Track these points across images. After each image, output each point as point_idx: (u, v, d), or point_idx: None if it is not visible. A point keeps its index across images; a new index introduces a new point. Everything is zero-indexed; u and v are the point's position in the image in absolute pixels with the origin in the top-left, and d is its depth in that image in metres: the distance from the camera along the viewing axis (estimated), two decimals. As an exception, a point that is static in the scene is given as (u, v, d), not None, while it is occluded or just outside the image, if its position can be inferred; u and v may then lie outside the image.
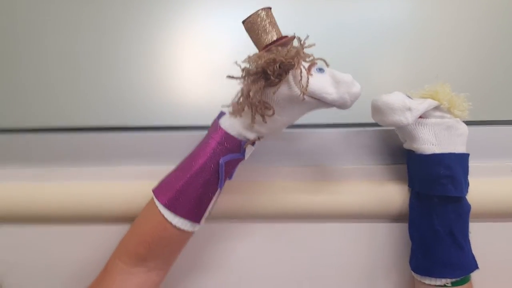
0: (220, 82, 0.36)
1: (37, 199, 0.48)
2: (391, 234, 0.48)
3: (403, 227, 0.46)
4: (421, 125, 0.41)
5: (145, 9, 0.52)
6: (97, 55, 0.52)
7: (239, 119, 0.38)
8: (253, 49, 0.37)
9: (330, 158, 0.49)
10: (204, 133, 0.41)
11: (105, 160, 0.50)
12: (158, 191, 0.39)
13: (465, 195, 0.41)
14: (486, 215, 0.46)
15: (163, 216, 0.38)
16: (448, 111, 0.42)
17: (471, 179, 0.42)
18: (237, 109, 0.36)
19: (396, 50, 0.52)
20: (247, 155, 0.40)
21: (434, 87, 0.42)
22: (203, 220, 0.40)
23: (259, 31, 0.36)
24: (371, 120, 0.42)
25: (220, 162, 0.38)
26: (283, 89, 0.36)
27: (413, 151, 0.42)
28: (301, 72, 0.34)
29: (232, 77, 0.36)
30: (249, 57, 0.35)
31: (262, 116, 0.36)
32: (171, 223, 0.38)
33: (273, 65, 0.34)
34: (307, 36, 0.36)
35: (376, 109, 0.40)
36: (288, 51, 0.34)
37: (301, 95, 0.35)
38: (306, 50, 0.36)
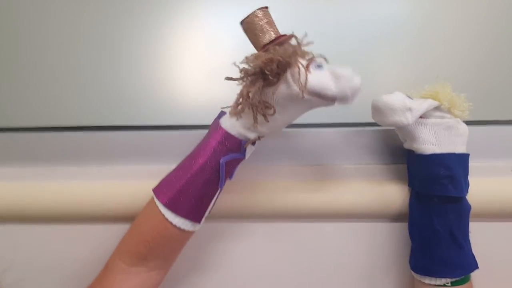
0: (220, 81, 0.36)
1: (38, 198, 0.48)
2: (391, 234, 0.48)
3: (403, 226, 0.47)
4: (421, 125, 0.41)
5: (145, 9, 0.52)
6: (97, 54, 0.52)
7: (239, 119, 0.38)
8: (253, 49, 0.37)
9: (330, 157, 0.49)
10: (204, 132, 0.41)
11: (105, 159, 0.50)
12: (158, 190, 0.39)
13: (465, 195, 0.41)
14: (486, 215, 0.46)
15: (163, 215, 0.38)
16: (449, 111, 0.42)
17: (471, 178, 0.42)
18: (237, 111, 0.36)
19: (396, 50, 0.52)
20: (247, 155, 0.40)
21: (434, 87, 0.42)
22: (203, 220, 0.40)
23: (257, 31, 0.36)
24: (371, 120, 0.42)
25: (220, 161, 0.38)
26: (282, 88, 0.35)
27: (413, 151, 0.42)
28: (299, 70, 0.34)
29: (231, 79, 0.36)
30: (246, 57, 0.35)
31: (264, 116, 0.36)
32: (171, 223, 0.38)
33: (270, 65, 0.34)
34: (306, 34, 0.35)
35: (377, 110, 0.40)
36: (285, 50, 0.34)
37: (301, 93, 0.35)
38: (305, 48, 0.36)
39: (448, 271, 0.40)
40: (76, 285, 0.50)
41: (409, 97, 0.40)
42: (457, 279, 0.40)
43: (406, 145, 0.44)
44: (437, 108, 0.41)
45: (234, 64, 0.35)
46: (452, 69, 0.51)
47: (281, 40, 0.35)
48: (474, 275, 0.42)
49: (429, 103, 0.40)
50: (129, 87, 0.52)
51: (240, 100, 0.36)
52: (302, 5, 0.52)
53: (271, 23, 0.36)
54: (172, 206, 0.38)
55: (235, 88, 0.38)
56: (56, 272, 0.50)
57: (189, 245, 0.42)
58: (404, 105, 0.38)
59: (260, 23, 0.36)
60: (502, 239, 0.48)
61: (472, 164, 0.42)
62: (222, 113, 0.41)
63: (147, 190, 0.40)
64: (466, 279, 0.41)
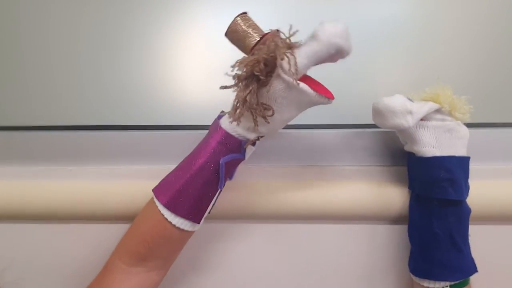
0: (220, 81, 0.36)
1: (37, 197, 0.48)
2: (391, 236, 0.48)
3: (403, 229, 0.46)
4: (422, 128, 0.41)
5: (145, 9, 0.52)
6: (97, 54, 0.52)
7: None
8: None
9: (330, 159, 0.49)
10: (204, 132, 0.41)
11: (105, 159, 0.50)
12: (158, 190, 0.39)
13: (465, 198, 0.41)
14: (486, 218, 0.46)
15: (163, 216, 0.38)
16: (449, 114, 0.41)
17: (471, 181, 0.42)
18: (236, 116, 0.36)
19: (396, 51, 0.51)
20: (247, 156, 0.40)
21: (435, 90, 0.42)
22: (202, 220, 0.40)
23: (241, 38, 0.36)
24: (372, 122, 0.42)
25: (220, 162, 0.38)
26: (276, 84, 0.35)
27: (414, 154, 0.42)
28: (288, 60, 0.33)
29: (226, 87, 0.36)
30: (236, 63, 0.35)
31: (264, 117, 0.36)
32: (171, 223, 0.38)
33: (258, 65, 0.34)
34: (291, 27, 0.34)
35: (377, 112, 0.40)
36: (268, 47, 0.34)
37: (294, 78, 0.34)
38: (292, 39, 0.35)
39: (447, 274, 0.40)
40: (76, 284, 0.50)
41: (409, 99, 0.40)
42: (456, 282, 0.40)
43: (407, 148, 0.44)
44: (437, 111, 0.41)
45: (227, 74, 0.35)
46: (452, 70, 0.51)
47: (264, 39, 0.35)
48: (473, 278, 0.42)
49: (430, 105, 0.40)
50: (129, 87, 0.52)
51: (238, 105, 0.36)
52: (302, 5, 0.52)
53: (253, 25, 0.36)
54: (171, 206, 0.38)
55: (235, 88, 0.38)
56: (55, 271, 0.51)
57: (188, 245, 0.42)
58: (405, 108, 0.38)
59: (242, 28, 0.36)
60: (502, 242, 0.48)
61: (472, 166, 0.42)
62: (222, 114, 0.41)
63: (147, 190, 0.40)
64: (465, 283, 0.41)
